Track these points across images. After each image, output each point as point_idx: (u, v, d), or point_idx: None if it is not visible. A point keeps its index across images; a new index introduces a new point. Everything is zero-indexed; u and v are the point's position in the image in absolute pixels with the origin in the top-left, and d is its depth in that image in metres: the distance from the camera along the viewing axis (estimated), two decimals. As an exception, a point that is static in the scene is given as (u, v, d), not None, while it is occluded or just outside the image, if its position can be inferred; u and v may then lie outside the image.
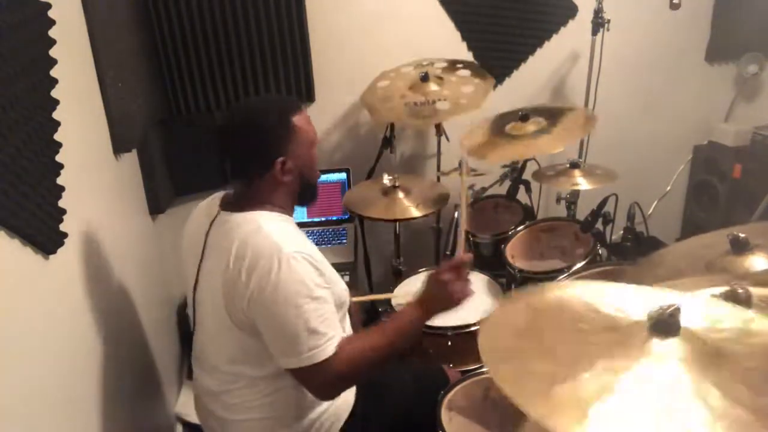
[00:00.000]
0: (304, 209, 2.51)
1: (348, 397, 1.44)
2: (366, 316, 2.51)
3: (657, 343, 0.77)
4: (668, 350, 0.76)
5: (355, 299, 1.82)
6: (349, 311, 1.49)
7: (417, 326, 1.37)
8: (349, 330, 1.45)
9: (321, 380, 1.23)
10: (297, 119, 1.30)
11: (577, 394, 0.73)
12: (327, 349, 1.20)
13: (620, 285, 0.98)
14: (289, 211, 1.38)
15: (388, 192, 2.10)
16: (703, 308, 0.87)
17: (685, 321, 0.78)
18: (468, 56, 2.57)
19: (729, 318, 0.85)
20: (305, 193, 1.39)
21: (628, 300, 0.89)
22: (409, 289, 1.98)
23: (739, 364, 0.75)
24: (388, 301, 1.94)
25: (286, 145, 1.29)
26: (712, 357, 0.75)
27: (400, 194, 2.08)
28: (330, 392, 1.31)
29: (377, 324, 1.38)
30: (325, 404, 1.38)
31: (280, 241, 1.21)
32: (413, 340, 1.41)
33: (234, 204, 1.33)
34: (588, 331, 0.84)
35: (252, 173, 1.31)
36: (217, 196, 1.41)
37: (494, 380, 0.79)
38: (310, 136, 1.34)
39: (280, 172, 1.29)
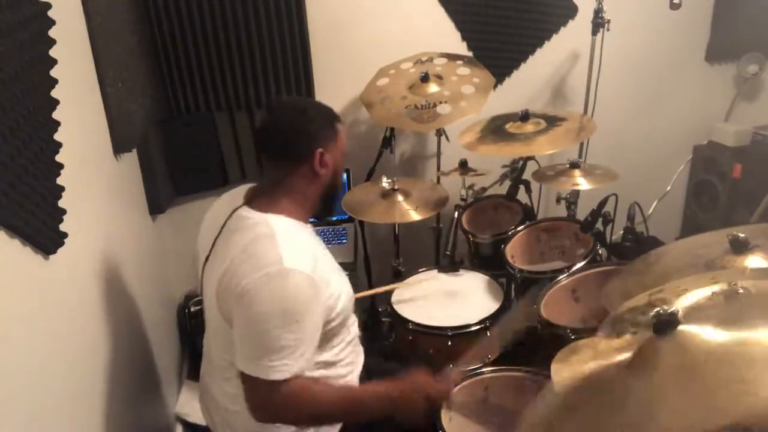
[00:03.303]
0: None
1: None
2: (366, 316, 2.52)
3: (666, 341, 0.77)
4: (679, 339, 0.76)
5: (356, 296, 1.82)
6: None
7: (378, 410, 1.31)
8: (355, 331, 1.46)
9: (261, 397, 1.21)
10: (339, 126, 1.37)
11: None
12: (281, 371, 1.17)
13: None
14: (306, 218, 1.38)
15: (387, 195, 2.10)
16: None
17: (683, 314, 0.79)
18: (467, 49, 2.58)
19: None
20: (328, 200, 1.41)
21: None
22: (410, 290, 1.99)
23: (747, 318, 0.76)
24: (388, 301, 1.94)
25: (328, 141, 1.33)
26: (723, 322, 0.75)
27: (399, 197, 2.08)
28: (264, 413, 1.25)
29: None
30: None
31: (285, 255, 1.19)
32: (367, 418, 1.34)
33: (258, 199, 1.33)
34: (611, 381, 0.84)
35: (293, 159, 1.31)
36: (243, 188, 1.41)
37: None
38: (344, 147, 1.39)
39: (318, 163, 1.31)
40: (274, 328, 1.16)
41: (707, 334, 0.74)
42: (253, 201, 1.34)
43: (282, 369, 1.17)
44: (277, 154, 1.33)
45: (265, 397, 1.20)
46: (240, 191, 1.41)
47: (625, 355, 0.85)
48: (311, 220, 1.42)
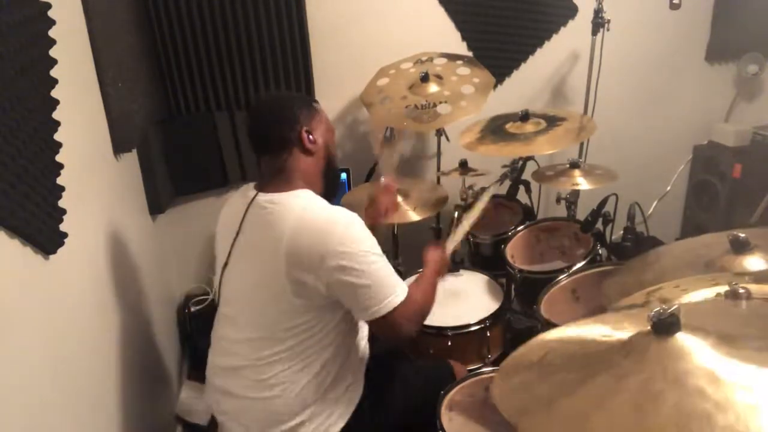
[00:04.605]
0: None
1: (359, 388, 1.47)
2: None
3: (662, 343, 0.77)
4: (674, 345, 0.76)
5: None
6: None
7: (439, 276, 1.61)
8: None
9: (406, 317, 1.35)
10: (317, 105, 1.48)
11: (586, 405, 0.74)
12: (403, 287, 1.36)
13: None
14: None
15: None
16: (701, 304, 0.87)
17: (684, 318, 0.79)
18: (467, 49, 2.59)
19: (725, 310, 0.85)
20: (329, 178, 1.50)
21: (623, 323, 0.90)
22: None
23: (743, 338, 0.76)
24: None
25: (309, 119, 1.43)
26: (719, 340, 0.75)
27: (398, 197, 2.08)
28: (412, 326, 1.40)
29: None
30: (341, 390, 1.41)
31: (334, 211, 1.34)
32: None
33: (271, 186, 1.40)
34: (595, 356, 0.84)
35: (285, 144, 1.40)
36: (249, 185, 1.48)
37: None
38: (328, 122, 1.50)
39: (307, 141, 1.41)
40: (380, 260, 1.33)
41: (700, 351, 0.74)
42: (266, 188, 1.40)
43: (402, 285, 1.37)
44: (270, 145, 1.43)
45: (408, 313, 1.35)
46: (249, 186, 1.47)
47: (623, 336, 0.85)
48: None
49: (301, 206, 1.34)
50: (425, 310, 1.46)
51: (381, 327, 1.36)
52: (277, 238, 1.30)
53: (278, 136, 1.41)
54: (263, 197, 1.38)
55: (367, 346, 1.56)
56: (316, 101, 1.49)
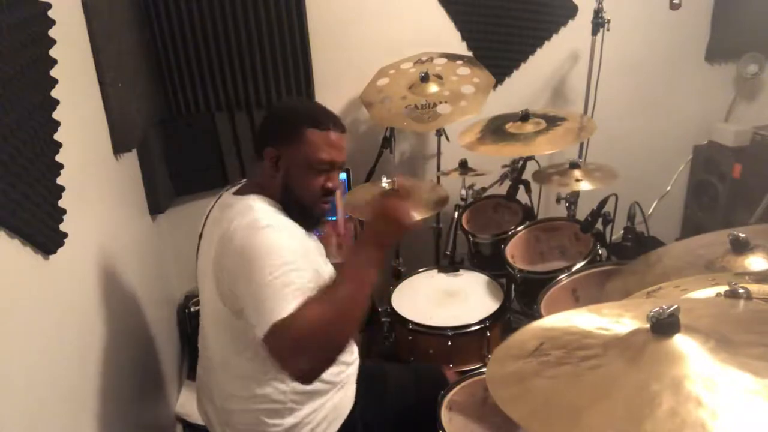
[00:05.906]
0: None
1: (348, 396, 1.45)
2: (365, 315, 2.51)
3: (660, 343, 0.77)
4: (672, 347, 0.76)
5: None
6: None
7: (375, 264, 1.16)
8: None
9: (283, 345, 1.07)
10: (311, 132, 1.30)
11: (576, 401, 0.73)
12: (292, 303, 1.08)
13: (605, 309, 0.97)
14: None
15: (387, 195, 2.10)
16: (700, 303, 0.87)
17: (683, 319, 0.78)
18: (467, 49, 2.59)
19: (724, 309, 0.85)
20: (295, 210, 1.33)
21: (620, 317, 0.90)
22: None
23: (742, 344, 0.76)
24: (388, 301, 1.94)
25: (284, 143, 1.32)
26: (718, 344, 0.75)
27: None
28: (295, 360, 1.07)
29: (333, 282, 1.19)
30: (320, 402, 1.37)
31: (262, 216, 1.23)
32: (374, 281, 1.17)
33: (240, 188, 1.40)
34: (592, 348, 0.84)
35: (259, 152, 1.35)
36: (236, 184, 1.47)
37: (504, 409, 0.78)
38: (314, 155, 1.29)
39: (270, 163, 1.33)
40: (274, 273, 1.11)
41: (698, 357, 0.74)
42: (236, 188, 1.41)
43: (290, 303, 1.08)
44: (255, 147, 1.40)
45: (280, 341, 1.06)
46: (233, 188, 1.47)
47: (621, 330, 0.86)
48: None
49: (240, 210, 1.26)
50: (320, 334, 1.06)
51: (269, 351, 1.09)
52: (214, 242, 1.26)
53: (257, 143, 1.39)
54: (224, 198, 1.38)
55: (355, 352, 1.51)
56: (323, 124, 1.30)
